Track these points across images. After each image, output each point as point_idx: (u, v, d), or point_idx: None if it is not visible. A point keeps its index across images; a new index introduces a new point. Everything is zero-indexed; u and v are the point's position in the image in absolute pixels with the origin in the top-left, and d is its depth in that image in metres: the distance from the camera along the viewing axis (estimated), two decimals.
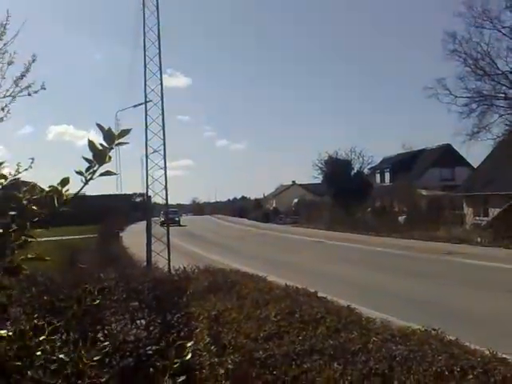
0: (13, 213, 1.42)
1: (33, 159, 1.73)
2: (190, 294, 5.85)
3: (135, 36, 17.64)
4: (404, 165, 44.43)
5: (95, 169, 1.45)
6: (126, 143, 1.59)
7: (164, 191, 13.82)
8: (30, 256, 1.51)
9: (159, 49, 12.85)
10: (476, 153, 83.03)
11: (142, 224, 15.94)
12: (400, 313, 8.53)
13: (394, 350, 3.23)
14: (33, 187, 1.51)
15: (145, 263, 13.22)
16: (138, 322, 6.68)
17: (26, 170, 1.66)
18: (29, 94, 4.58)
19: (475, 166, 38.54)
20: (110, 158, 1.45)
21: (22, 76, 4.56)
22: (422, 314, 9.04)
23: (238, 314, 4.51)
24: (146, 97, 13.59)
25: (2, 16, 4.72)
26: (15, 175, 1.57)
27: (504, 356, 3.25)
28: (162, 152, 13.53)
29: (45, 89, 4.72)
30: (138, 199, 66.50)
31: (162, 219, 26.98)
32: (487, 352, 3.24)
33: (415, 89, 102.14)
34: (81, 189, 1.66)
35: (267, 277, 6.66)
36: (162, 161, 13.59)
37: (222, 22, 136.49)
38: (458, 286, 12.09)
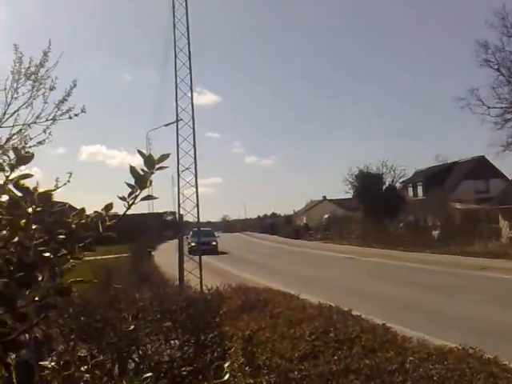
0: (62, 237, 1.47)
1: (70, 174, 1.80)
2: (223, 313, 5.86)
3: (166, 57, 18.06)
4: (437, 178, 43.70)
5: (137, 194, 1.50)
6: (165, 167, 1.67)
7: (195, 209, 13.86)
8: (78, 279, 1.55)
9: (190, 69, 13.09)
10: (511, 164, 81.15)
11: (173, 242, 16.03)
12: (435, 331, 8.33)
13: (431, 369, 3.18)
14: (82, 212, 1.57)
15: (177, 282, 13.30)
16: (172, 342, 6.74)
17: (63, 184, 1.73)
18: (69, 118, 4.73)
19: (511, 177, 37.73)
20: (150, 182, 1.50)
21: (64, 100, 4.72)
22: (457, 331, 8.84)
23: (271, 333, 4.50)
24: (177, 116, 13.81)
25: (44, 44, 4.88)
26: (54, 189, 1.63)
27: None
28: (193, 170, 13.65)
29: (85, 112, 4.89)
30: (169, 218, 67.23)
31: (193, 244, 24.58)
32: None
33: (447, 99, 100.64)
34: (124, 213, 1.74)
35: (300, 295, 6.61)
36: (193, 179, 13.69)
37: (250, 41, 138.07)
38: (493, 303, 11.78)
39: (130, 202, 1.60)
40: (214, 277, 17.69)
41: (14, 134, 4.63)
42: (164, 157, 1.54)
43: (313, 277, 18.25)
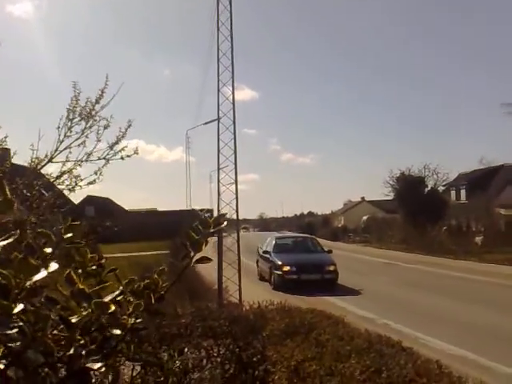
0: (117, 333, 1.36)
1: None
2: (266, 335, 5.71)
3: (207, 59, 18.05)
4: (481, 182, 42.43)
5: (192, 255, 1.44)
6: (222, 228, 1.61)
7: (234, 202, 13.56)
8: None
9: (232, 74, 12.88)
10: None
11: (210, 240, 15.53)
12: (498, 355, 7.86)
13: None
14: (132, 283, 1.47)
15: (215, 286, 13.22)
16: (213, 359, 6.65)
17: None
18: (122, 158, 4.64)
19: None
20: (206, 244, 1.45)
21: (117, 141, 4.62)
22: None
23: (318, 365, 4.32)
24: (218, 116, 13.67)
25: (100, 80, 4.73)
26: None
27: None
28: (232, 168, 13.45)
29: (137, 153, 4.79)
30: (206, 215, 67.75)
31: (287, 268, 15.01)
32: None
33: (493, 104, 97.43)
34: (177, 278, 1.65)
35: (345, 317, 6.39)
36: (233, 171, 13.44)
37: (288, 37, 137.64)
38: None
39: (185, 265, 1.53)
40: (251, 280, 17.56)
41: (64, 172, 4.56)
42: (221, 217, 1.50)
43: (354, 284, 17.83)
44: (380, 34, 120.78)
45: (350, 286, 16.51)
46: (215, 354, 6.45)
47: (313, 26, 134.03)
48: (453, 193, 46.35)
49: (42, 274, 1.31)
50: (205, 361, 6.46)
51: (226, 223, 1.58)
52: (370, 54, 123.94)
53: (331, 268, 15.82)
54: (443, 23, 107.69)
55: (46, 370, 1.24)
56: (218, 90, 13.38)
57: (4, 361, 1.16)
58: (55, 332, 1.32)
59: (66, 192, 5.02)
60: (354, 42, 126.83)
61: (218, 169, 13.04)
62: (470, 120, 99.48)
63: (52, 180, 4.62)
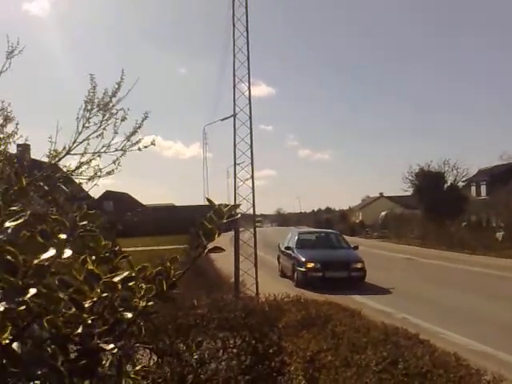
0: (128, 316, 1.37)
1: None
2: (282, 327, 5.70)
3: (224, 55, 18.03)
4: (502, 177, 41.85)
5: (204, 244, 1.45)
6: (236, 218, 1.60)
7: (251, 196, 13.55)
8: None
9: (248, 70, 12.87)
10: None
11: (227, 235, 15.50)
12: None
13: None
14: (146, 269, 1.48)
15: (232, 279, 13.25)
16: (229, 350, 6.67)
17: None
18: (139, 149, 4.69)
19: None
20: (219, 234, 1.45)
21: (134, 132, 4.67)
22: None
23: (334, 356, 4.29)
24: (234, 111, 13.67)
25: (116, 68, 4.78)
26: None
27: None
28: (249, 163, 13.44)
29: (154, 144, 4.84)
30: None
31: (311, 265, 14.52)
32: None
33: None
34: (190, 266, 1.67)
35: (362, 310, 6.34)
36: (249, 166, 13.40)
37: (305, 32, 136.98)
38: None
39: (198, 254, 1.54)
40: (268, 274, 17.55)
41: (82, 163, 4.63)
42: (234, 207, 1.49)
43: (371, 278, 17.72)
44: (398, 25, 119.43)
45: (368, 281, 16.39)
46: (231, 346, 6.47)
47: (329, 21, 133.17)
48: (473, 188, 45.79)
49: (50, 252, 1.31)
50: (221, 352, 6.50)
51: (239, 215, 1.56)
52: (389, 45, 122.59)
53: (358, 265, 15.42)
54: (464, 14, 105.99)
55: (54, 347, 1.24)
56: (234, 86, 13.37)
57: (10, 336, 1.15)
58: (66, 312, 1.32)
59: (84, 183, 5.07)
60: (373, 35, 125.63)
61: (235, 164, 13.04)
62: (492, 115, 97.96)
63: (70, 171, 4.69)
